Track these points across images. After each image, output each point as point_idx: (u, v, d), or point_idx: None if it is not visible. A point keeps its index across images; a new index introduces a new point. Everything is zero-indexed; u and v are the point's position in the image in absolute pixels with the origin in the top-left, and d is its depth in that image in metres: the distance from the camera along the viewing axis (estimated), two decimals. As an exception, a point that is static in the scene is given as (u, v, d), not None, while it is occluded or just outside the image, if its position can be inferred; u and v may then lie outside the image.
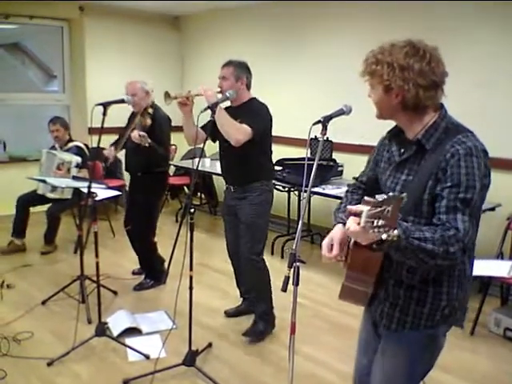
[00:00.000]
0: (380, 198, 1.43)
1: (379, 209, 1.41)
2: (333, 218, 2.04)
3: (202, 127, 3.72)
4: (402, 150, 1.86)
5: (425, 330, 1.83)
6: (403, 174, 1.82)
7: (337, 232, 1.92)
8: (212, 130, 3.40)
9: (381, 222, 1.40)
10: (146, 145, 4.06)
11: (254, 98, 3.68)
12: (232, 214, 3.79)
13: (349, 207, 1.55)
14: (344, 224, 1.91)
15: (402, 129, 1.86)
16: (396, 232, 1.42)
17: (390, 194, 1.43)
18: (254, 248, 3.68)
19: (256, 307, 3.84)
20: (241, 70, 3.61)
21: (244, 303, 4.11)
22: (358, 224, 1.46)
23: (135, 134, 4.06)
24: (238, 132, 3.40)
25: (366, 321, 2.15)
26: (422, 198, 1.70)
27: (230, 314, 4.10)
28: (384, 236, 1.42)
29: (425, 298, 1.80)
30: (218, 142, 3.78)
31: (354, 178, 2.22)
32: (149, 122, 4.22)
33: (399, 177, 1.83)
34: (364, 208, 1.46)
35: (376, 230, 1.41)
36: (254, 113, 3.53)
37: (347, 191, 2.17)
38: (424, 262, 1.59)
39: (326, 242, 1.91)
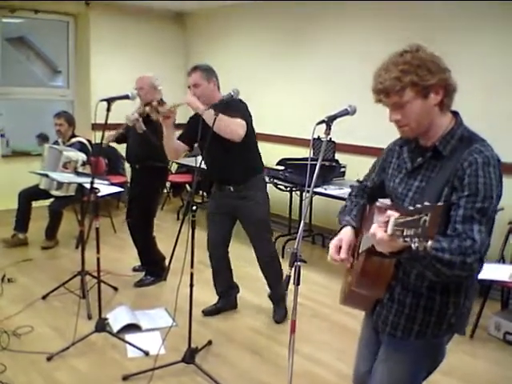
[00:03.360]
0: (411, 207, 1.37)
1: (411, 218, 1.34)
2: (337, 221, 2.05)
3: (179, 138, 3.75)
4: (417, 158, 1.83)
5: (431, 338, 1.82)
6: (416, 181, 1.80)
7: (346, 234, 1.93)
8: (192, 136, 3.55)
9: (413, 231, 1.31)
10: (140, 131, 4.14)
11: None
12: (226, 214, 3.85)
13: (378, 204, 1.54)
14: (352, 227, 1.95)
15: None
16: (430, 243, 1.28)
17: (426, 203, 1.34)
18: (270, 244, 4.00)
19: (274, 293, 4.03)
20: (208, 72, 3.64)
21: (221, 301, 4.13)
22: (385, 232, 1.44)
23: (129, 116, 4.16)
24: (238, 126, 3.45)
25: (366, 326, 2.14)
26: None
27: (207, 313, 4.05)
28: (415, 246, 1.31)
29: (432, 307, 1.78)
30: (198, 149, 3.88)
31: (357, 181, 2.21)
32: (147, 109, 4.20)
33: (412, 183, 1.81)
34: (391, 215, 1.43)
35: (407, 239, 1.33)
36: (233, 107, 3.48)
37: (350, 194, 2.17)
38: (441, 273, 1.57)
39: (334, 243, 1.93)
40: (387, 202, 1.83)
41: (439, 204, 1.33)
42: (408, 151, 1.88)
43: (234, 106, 3.49)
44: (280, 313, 4.02)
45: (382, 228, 1.47)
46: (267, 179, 4.82)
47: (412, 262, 1.61)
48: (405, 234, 1.34)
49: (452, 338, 1.93)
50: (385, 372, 1.93)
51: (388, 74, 1.67)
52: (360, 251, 1.88)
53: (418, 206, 1.34)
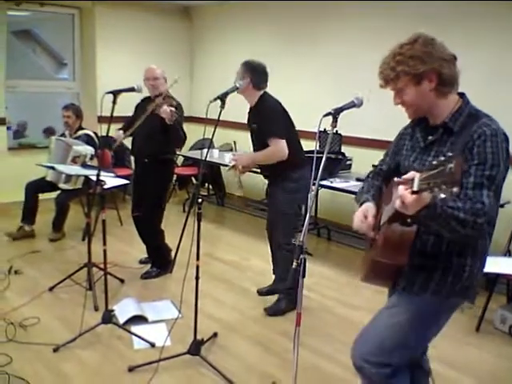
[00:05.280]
0: (435, 161, 1.46)
1: (435, 170, 1.43)
2: (356, 202, 2.17)
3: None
4: (429, 136, 1.95)
5: (444, 297, 1.93)
6: (430, 156, 1.92)
7: (369, 206, 2.05)
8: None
9: (440, 180, 1.41)
10: (171, 122, 4.05)
11: (263, 95, 3.82)
12: None
13: (396, 179, 1.64)
14: (373, 202, 2.06)
15: (424, 118, 1.97)
16: (456, 189, 1.39)
17: (449, 153, 1.45)
18: (282, 235, 4.00)
19: (281, 286, 4.00)
20: (245, 70, 3.75)
21: (275, 282, 4.18)
22: (410, 191, 1.54)
23: (166, 109, 4.03)
24: (274, 157, 3.72)
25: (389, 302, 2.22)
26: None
27: (262, 293, 4.22)
28: (442, 195, 1.41)
29: (450, 267, 1.91)
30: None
31: (373, 166, 2.31)
32: (174, 102, 4.23)
33: (426, 159, 1.93)
34: (415, 175, 1.52)
35: (435, 189, 1.42)
36: (270, 120, 3.72)
37: (367, 177, 2.29)
38: (455, 231, 1.70)
39: (358, 214, 2.04)
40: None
41: (459, 155, 1.46)
42: (420, 131, 2.01)
43: (267, 119, 3.71)
44: (275, 307, 3.98)
45: (408, 188, 1.57)
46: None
47: (429, 221, 1.71)
48: (431, 185, 1.44)
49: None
50: (385, 315, 2.04)
51: (387, 63, 1.87)
52: (381, 223, 1.97)
53: (441, 158, 1.44)
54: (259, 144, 3.82)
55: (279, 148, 3.69)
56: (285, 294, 3.96)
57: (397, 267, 1.94)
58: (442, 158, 1.43)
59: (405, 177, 1.61)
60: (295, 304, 3.84)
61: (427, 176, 1.47)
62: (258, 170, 4.13)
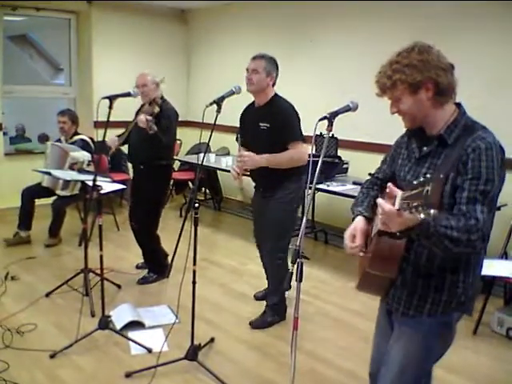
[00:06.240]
0: (415, 181, 1.48)
1: (415, 191, 1.45)
2: (351, 213, 2.14)
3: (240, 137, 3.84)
4: (424, 147, 1.93)
5: (441, 316, 1.91)
6: (424, 168, 1.90)
7: (358, 223, 2.04)
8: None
9: (418, 202, 1.43)
10: (151, 132, 4.01)
11: (276, 96, 3.69)
12: None
13: (378, 200, 1.63)
14: (365, 217, 2.05)
15: (421, 127, 1.94)
16: (433, 211, 1.41)
17: (428, 175, 1.47)
18: (274, 245, 3.86)
19: (268, 298, 3.93)
20: (272, 66, 3.63)
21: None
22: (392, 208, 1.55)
23: (142, 118, 4.01)
24: (299, 161, 3.55)
25: (381, 314, 2.22)
26: (444, 189, 1.76)
27: (258, 298, 4.20)
28: (422, 216, 1.43)
29: (442, 286, 1.88)
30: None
31: (369, 174, 2.30)
32: (157, 109, 4.18)
33: (420, 170, 1.91)
34: (397, 192, 1.55)
35: (413, 210, 1.44)
36: (290, 123, 3.58)
37: (363, 187, 2.26)
38: (448, 249, 1.68)
39: (348, 233, 2.04)
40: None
41: (439, 176, 1.46)
42: (416, 141, 1.99)
43: (288, 121, 3.57)
44: (261, 320, 3.87)
45: (390, 203, 1.58)
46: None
47: (422, 239, 1.71)
48: (411, 205, 1.46)
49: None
50: (398, 350, 2.00)
51: (383, 72, 1.85)
52: (372, 234, 1.96)
53: (421, 179, 1.46)
54: (267, 145, 3.54)
55: (303, 152, 3.54)
56: (270, 306, 3.89)
57: (388, 280, 1.93)
58: (422, 179, 1.44)
59: (388, 193, 1.62)
60: (281, 316, 3.88)
61: (407, 196, 1.49)
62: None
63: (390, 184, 1.66)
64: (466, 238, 1.66)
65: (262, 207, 3.81)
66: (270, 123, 3.55)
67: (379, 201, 1.63)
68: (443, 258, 1.83)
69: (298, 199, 3.77)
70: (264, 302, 3.99)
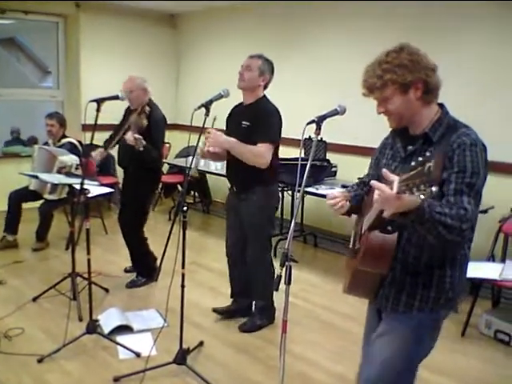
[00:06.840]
0: (413, 162, 1.47)
1: (414, 171, 1.45)
2: None
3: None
4: (409, 146, 1.97)
5: (429, 313, 1.95)
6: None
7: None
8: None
9: (419, 180, 1.42)
10: (141, 149, 4.02)
11: (264, 97, 3.68)
12: None
13: (373, 182, 1.64)
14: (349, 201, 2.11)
15: (405, 127, 1.97)
16: (434, 189, 1.40)
17: (427, 153, 1.48)
18: (258, 249, 3.80)
19: (256, 302, 3.91)
20: (266, 68, 3.64)
21: (234, 304, 4.06)
22: (389, 187, 1.55)
23: (129, 137, 4.01)
24: (257, 157, 3.50)
25: (370, 314, 2.24)
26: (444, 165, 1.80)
27: (219, 312, 4.05)
28: (422, 196, 1.44)
29: (430, 283, 1.93)
30: None
31: (358, 179, 2.34)
32: (145, 122, 4.16)
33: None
34: (394, 177, 1.54)
35: (414, 189, 1.44)
36: (267, 123, 3.55)
37: (353, 185, 2.31)
38: (441, 236, 1.70)
39: (330, 193, 2.11)
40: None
41: (439, 153, 1.46)
42: (400, 141, 2.02)
43: (266, 121, 3.55)
44: (249, 324, 3.87)
45: (388, 187, 1.57)
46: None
47: (417, 226, 1.71)
48: (410, 185, 1.45)
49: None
50: (385, 343, 2.01)
51: (372, 71, 1.86)
52: (363, 231, 1.97)
53: (420, 158, 1.45)
54: (244, 143, 3.54)
55: (266, 153, 3.50)
56: (259, 309, 3.89)
57: (379, 276, 1.95)
58: (421, 159, 1.45)
59: (385, 177, 1.60)
60: (270, 320, 3.87)
61: (406, 178, 1.48)
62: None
63: (384, 170, 1.63)
64: (458, 226, 1.70)
65: (237, 208, 3.78)
66: (250, 122, 3.55)
67: (377, 184, 1.60)
68: (430, 255, 1.88)
69: (275, 201, 3.80)
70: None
